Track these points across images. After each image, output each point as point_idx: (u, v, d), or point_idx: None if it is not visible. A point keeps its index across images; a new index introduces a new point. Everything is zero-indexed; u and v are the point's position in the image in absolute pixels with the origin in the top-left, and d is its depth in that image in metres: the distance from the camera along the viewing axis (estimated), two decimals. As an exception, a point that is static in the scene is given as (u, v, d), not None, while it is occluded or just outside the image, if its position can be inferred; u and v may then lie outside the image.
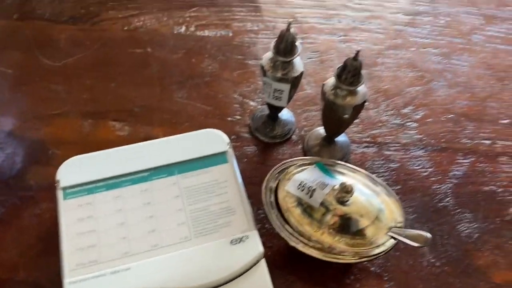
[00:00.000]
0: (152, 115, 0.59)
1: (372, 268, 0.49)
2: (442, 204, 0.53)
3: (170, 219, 0.46)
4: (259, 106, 0.60)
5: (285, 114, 0.59)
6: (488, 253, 0.50)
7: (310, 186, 0.46)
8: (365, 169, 0.54)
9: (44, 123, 0.58)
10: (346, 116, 0.49)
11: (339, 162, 0.51)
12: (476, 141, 0.59)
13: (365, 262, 0.48)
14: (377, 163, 0.56)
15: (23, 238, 0.49)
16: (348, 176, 0.49)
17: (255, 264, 0.43)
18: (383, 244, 0.45)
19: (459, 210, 0.53)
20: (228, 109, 0.60)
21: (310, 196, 0.46)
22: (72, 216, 0.45)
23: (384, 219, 0.46)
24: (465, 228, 0.52)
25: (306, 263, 0.47)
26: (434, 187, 0.55)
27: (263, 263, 0.44)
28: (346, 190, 0.44)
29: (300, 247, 0.45)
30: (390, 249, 0.45)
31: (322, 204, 0.45)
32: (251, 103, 0.61)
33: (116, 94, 0.61)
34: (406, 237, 0.44)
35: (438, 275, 0.48)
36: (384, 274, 0.48)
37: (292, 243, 0.45)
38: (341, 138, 0.57)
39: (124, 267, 0.42)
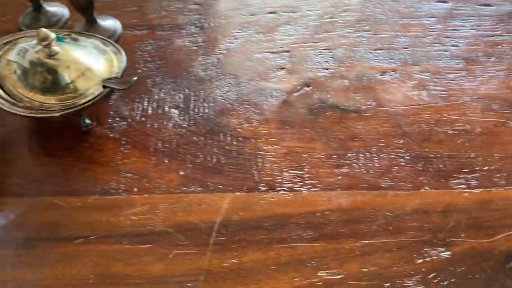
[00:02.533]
0: None
1: (112, 135, 0.45)
2: (205, 73, 0.51)
3: None
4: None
5: (55, 5, 0.56)
6: (244, 111, 0.47)
7: (25, 48, 0.44)
8: (134, 48, 0.52)
9: None
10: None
11: (74, 31, 0.49)
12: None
13: (102, 128, 0.45)
14: (145, 42, 0.54)
15: None
16: (82, 41, 0.47)
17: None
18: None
19: (222, 77, 0.50)
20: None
21: (23, 57, 0.43)
22: None
23: (98, 72, 0.43)
24: (223, 92, 0.49)
25: (41, 134, 0.45)
26: (201, 59, 0.52)
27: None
28: (42, 38, 0.41)
29: (7, 107, 0.42)
30: (98, 97, 0.42)
31: (33, 63, 0.42)
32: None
33: None
34: (116, 83, 0.41)
35: (182, 135, 0.45)
36: (122, 138, 0.45)
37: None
38: (109, 21, 0.54)
39: None
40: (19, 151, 0.45)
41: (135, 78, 0.41)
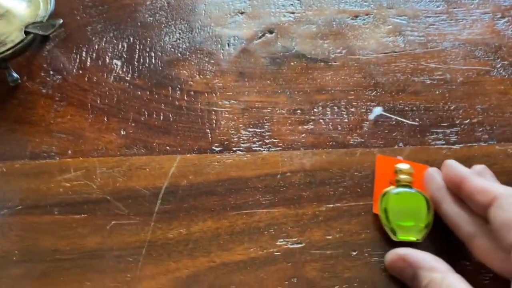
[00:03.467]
0: None
1: (44, 90, 0.39)
2: (153, 18, 0.44)
3: None
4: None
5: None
6: (196, 61, 0.41)
7: None
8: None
9: None
10: None
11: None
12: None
13: (33, 83, 0.39)
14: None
15: None
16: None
17: None
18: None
19: (172, 23, 0.44)
20: None
21: None
22: None
23: (20, 16, 0.37)
24: (174, 40, 0.43)
25: None
26: (148, 2, 0.46)
27: None
28: None
29: None
30: (19, 45, 0.35)
31: None
32: None
33: None
34: (39, 28, 0.35)
35: (125, 89, 0.40)
36: (56, 94, 0.39)
37: None
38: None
39: None
40: None
41: (60, 21, 0.35)
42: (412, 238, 0.32)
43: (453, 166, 0.32)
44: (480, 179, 0.30)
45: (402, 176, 0.33)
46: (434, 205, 0.32)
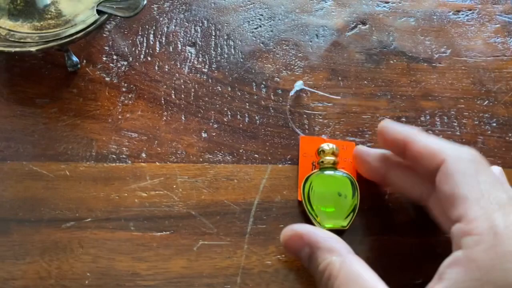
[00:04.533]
0: None
1: (107, 78, 0.34)
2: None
3: None
4: None
5: None
6: (282, 54, 0.36)
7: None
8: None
9: None
10: None
11: None
12: None
13: (95, 69, 0.33)
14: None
15: None
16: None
17: None
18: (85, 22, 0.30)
19: (251, 6, 0.38)
20: None
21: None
22: None
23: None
24: (254, 27, 0.37)
25: (11, 75, 0.33)
26: (223, -20, 0.40)
27: None
28: None
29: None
30: (92, 27, 0.30)
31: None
32: None
33: None
34: (117, 8, 0.30)
35: (202, 82, 0.34)
36: (122, 84, 0.34)
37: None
38: None
39: None
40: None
41: (145, 2, 0.29)
42: (338, 225, 0.28)
43: (393, 127, 0.27)
44: (426, 137, 0.26)
45: (326, 158, 0.30)
46: (375, 179, 0.29)
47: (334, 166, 0.30)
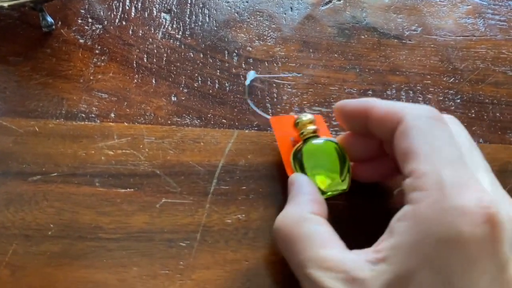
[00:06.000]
0: None
1: (82, 40, 0.34)
2: (207, -30, 0.39)
3: None
4: None
5: None
6: (256, 24, 0.37)
7: None
8: None
9: None
10: None
11: None
12: None
13: (69, 31, 0.34)
14: None
15: None
16: None
17: None
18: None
19: (229, -24, 0.39)
20: None
21: None
22: None
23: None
24: (231, -3, 0.38)
25: None
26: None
27: None
28: None
29: None
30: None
31: None
32: None
33: None
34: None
35: (175, 48, 0.35)
36: (96, 46, 0.34)
37: None
38: None
39: None
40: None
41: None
42: (340, 189, 0.28)
43: (351, 101, 0.27)
44: (386, 102, 0.26)
45: (307, 128, 0.29)
46: (360, 130, 0.28)
47: (316, 134, 0.30)
